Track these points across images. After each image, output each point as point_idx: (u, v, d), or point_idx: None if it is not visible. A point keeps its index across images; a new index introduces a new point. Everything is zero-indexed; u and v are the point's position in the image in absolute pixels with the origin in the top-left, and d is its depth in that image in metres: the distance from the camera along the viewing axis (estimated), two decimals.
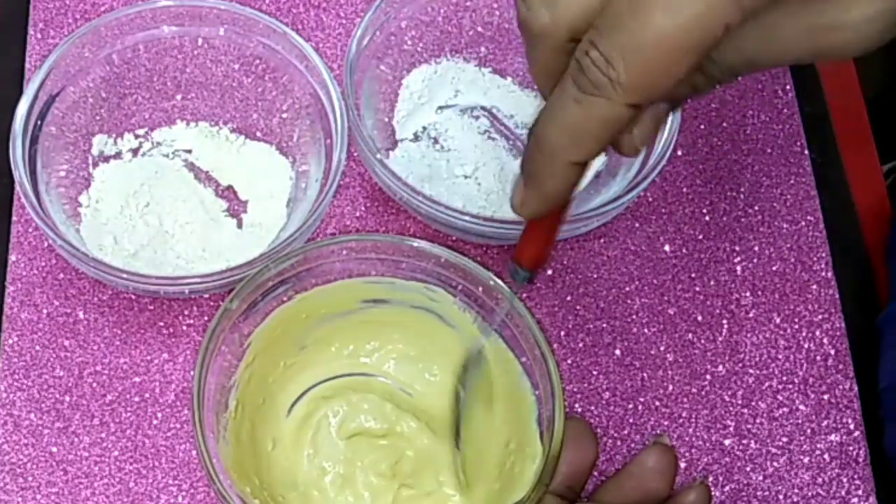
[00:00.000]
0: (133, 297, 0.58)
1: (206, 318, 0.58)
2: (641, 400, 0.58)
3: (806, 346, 0.60)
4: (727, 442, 0.58)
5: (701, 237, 0.63)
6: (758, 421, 0.58)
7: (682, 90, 0.36)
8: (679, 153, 0.65)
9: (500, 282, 0.51)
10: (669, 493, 0.52)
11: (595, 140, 0.35)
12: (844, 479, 0.57)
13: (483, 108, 0.65)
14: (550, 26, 0.34)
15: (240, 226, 0.60)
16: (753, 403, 0.59)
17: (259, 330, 0.52)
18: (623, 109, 0.33)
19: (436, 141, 0.63)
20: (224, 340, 0.50)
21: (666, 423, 0.58)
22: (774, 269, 0.62)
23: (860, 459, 0.58)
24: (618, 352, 0.59)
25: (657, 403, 0.58)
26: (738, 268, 0.62)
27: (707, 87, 0.37)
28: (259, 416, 0.53)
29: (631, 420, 0.58)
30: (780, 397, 0.59)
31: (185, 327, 0.58)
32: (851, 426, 0.59)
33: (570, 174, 0.37)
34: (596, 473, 0.56)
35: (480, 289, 0.52)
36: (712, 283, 0.61)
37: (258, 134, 0.62)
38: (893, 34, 0.34)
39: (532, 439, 0.51)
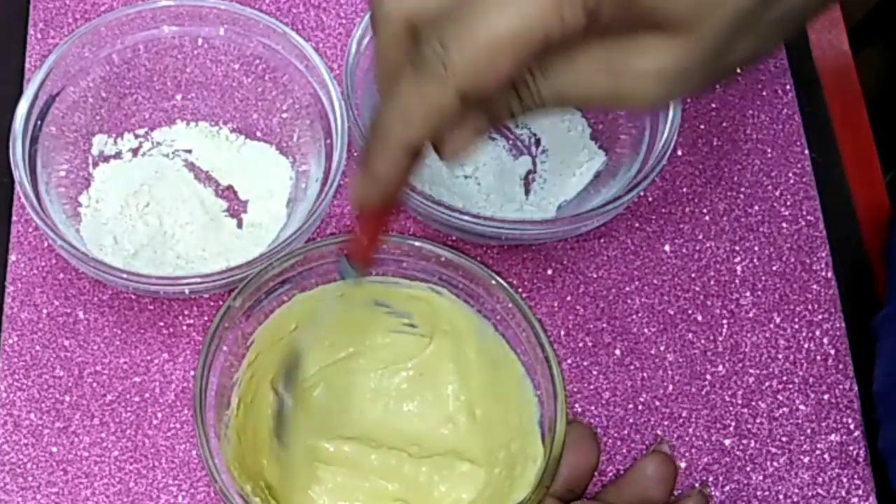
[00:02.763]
0: (133, 297, 0.58)
1: (206, 318, 0.58)
2: (641, 400, 0.58)
3: (806, 346, 0.60)
4: (727, 442, 0.58)
5: (701, 237, 0.63)
6: (758, 421, 0.58)
7: (500, 107, 0.39)
8: (679, 153, 0.65)
9: (501, 281, 0.51)
10: (668, 501, 0.53)
11: (424, 123, 0.37)
12: (844, 479, 0.57)
13: None
14: (393, 14, 0.37)
15: (240, 226, 0.60)
16: (753, 403, 0.59)
17: (262, 328, 0.52)
18: (452, 97, 0.36)
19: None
20: (226, 338, 0.50)
21: (666, 423, 0.58)
22: (774, 269, 0.62)
23: (860, 459, 0.58)
24: (618, 352, 0.59)
25: (657, 403, 0.58)
26: (738, 268, 0.62)
27: (519, 115, 0.39)
28: (261, 415, 0.53)
29: (631, 420, 0.58)
30: (780, 397, 0.59)
31: (185, 327, 0.58)
32: (851, 426, 0.59)
33: (401, 158, 0.39)
34: (595, 474, 0.56)
35: (481, 288, 0.52)
36: (712, 283, 0.61)
37: (258, 134, 0.62)
38: (680, 95, 0.38)
39: (534, 441, 0.51)
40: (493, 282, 0.52)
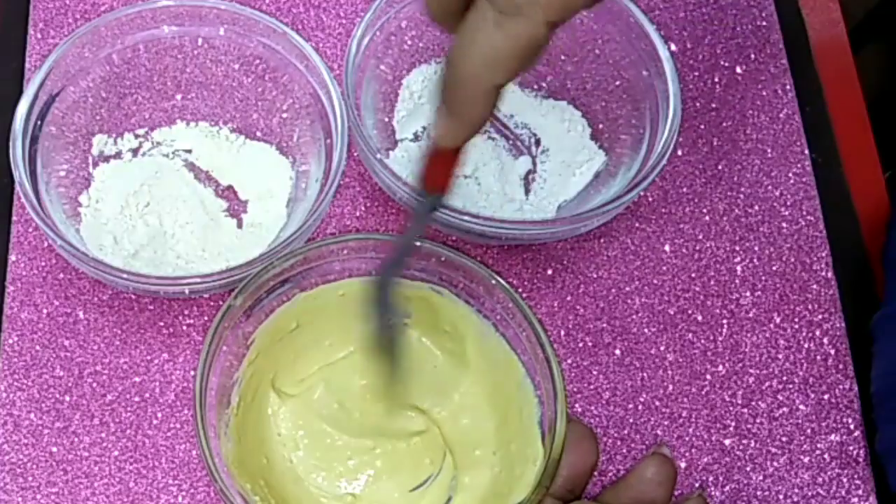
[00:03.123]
0: (133, 297, 0.58)
1: (206, 318, 0.58)
2: (641, 400, 0.58)
3: (806, 346, 0.60)
4: (727, 442, 0.58)
5: (701, 237, 0.63)
6: (758, 421, 0.58)
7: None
8: (679, 153, 0.65)
9: (501, 280, 0.51)
10: (668, 501, 0.52)
11: (517, 61, 0.35)
12: (844, 479, 0.57)
13: None
14: None
15: (240, 226, 0.60)
16: (753, 403, 0.59)
17: (262, 328, 0.52)
18: (542, 28, 0.34)
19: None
20: (227, 338, 0.50)
21: (666, 423, 0.58)
22: (774, 269, 0.62)
23: (860, 459, 0.58)
24: (618, 352, 0.59)
25: (657, 403, 0.58)
26: (738, 268, 0.62)
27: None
28: (261, 414, 0.53)
29: (631, 420, 0.58)
30: (780, 397, 0.59)
31: (185, 327, 0.58)
32: (851, 426, 0.59)
33: (493, 98, 0.38)
34: (595, 474, 0.56)
35: (481, 288, 0.52)
36: (712, 283, 0.61)
37: (258, 134, 0.62)
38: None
39: (533, 441, 0.51)
40: (493, 282, 0.52)
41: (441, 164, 0.44)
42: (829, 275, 0.62)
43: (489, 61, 0.35)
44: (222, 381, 0.50)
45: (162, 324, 0.58)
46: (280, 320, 0.53)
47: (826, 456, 0.58)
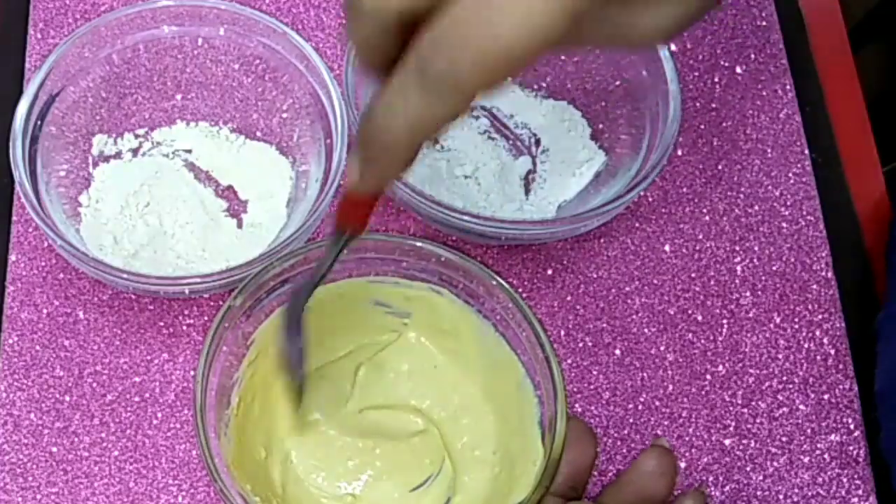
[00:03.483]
0: (133, 297, 0.58)
1: (206, 318, 0.58)
2: (641, 400, 0.58)
3: (806, 346, 0.60)
4: (727, 442, 0.58)
5: (701, 237, 0.63)
6: (758, 421, 0.58)
7: None
8: (679, 153, 0.65)
9: (501, 280, 0.51)
10: (670, 495, 0.52)
11: (437, 128, 0.36)
12: (844, 479, 0.57)
13: (483, 108, 0.65)
14: (380, 7, 0.35)
15: (240, 226, 0.60)
16: (753, 403, 0.59)
17: (262, 328, 0.52)
18: (466, 101, 0.34)
19: (436, 141, 0.63)
20: (227, 338, 0.50)
21: (666, 423, 0.58)
22: (774, 269, 0.62)
23: (860, 459, 0.58)
24: (618, 352, 0.59)
25: (657, 403, 0.58)
26: (738, 268, 0.62)
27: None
28: (261, 414, 0.53)
29: (631, 420, 0.58)
30: (780, 397, 0.59)
31: (185, 327, 0.58)
32: (851, 426, 0.59)
33: (411, 155, 0.38)
34: (595, 474, 0.56)
35: (481, 288, 0.52)
36: (712, 283, 0.61)
37: (258, 134, 0.62)
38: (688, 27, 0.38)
39: (533, 441, 0.51)
40: (494, 282, 0.52)
41: (359, 204, 0.43)
42: (829, 275, 0.62)
43: (411, 128, 0.36)
44: (222, 382, 0.50)
45: (162, 324, 0.58)
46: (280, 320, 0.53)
47: (826, 456, 0.58)
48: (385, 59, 0.36)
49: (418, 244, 0.52)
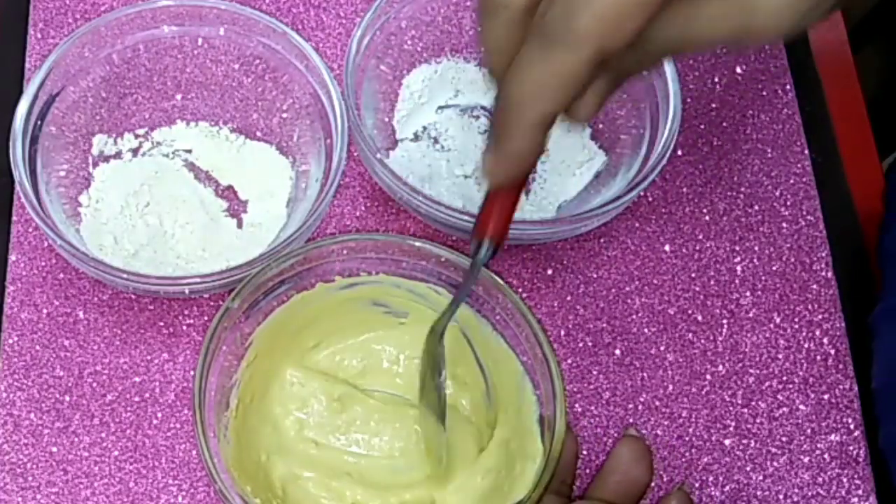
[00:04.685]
0: (133, 297, 0.58)
1: (206, 318, 0.58)
2: (641, 400, 0.58)
3: (806, 346, 0.60)
4: (727, 442, 0.58)
5: (701, 237, 0.63)
6: (758, 421, 0.58)
7: (627, 62, 0.38)
8: (679, 153, 0.65)
9: (500, 280, 0.51)
10: (651, 478, 0.55)
11: (558, 92, 0.36)
12: (844, 479, 0.57)
13: (483, 107, 0.65)
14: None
15: (240, 226, 0.60)
16: (753, 403, 0.59)
17: (260, 329, 0.52)
18: (586, 62, 0.35)
19: (436, 141, 0.63)
20: (225, 339, 0.50)
21: (666, 423, 0.58)
22: (774, 269, 0.62)
23: (860, 459, 0.58)
24: (618, 352, 0.59)
25: (657, 403, 0.58)
26: (738, 268, 0.62)
27: (636, 68, 0.39)
28: (260, 415, 0.53)
29: (631, 420, 0.58)
30: (780, 397, 0.59)
31: (185, 327, 0.58)
32: (851, 426, 0.59)
33: (537, 132, 0.38)
34: (591, 471, 0.56)
35: (481, 288, 0.52)
36: (712, 283, 0.61)
37: (258, 134, 0.62)
38: (808, 23, 0.36)
39: (533, 439, 0.51)
40: (492, 282, 0.52)
41: (496, 209, 0.44)
42: (829, 275, 0.62)
43: (532, 91, 0.36)
44: (221, 383, 0.50)
45: (162, 324, 0.58)
46: (278, 321, 0.53)
47: (826, 456, 0.58)
48: (511, 60, 0.37)
49: (417, 244, 0.52)
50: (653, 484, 0.56)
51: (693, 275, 0.62)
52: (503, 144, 0.39)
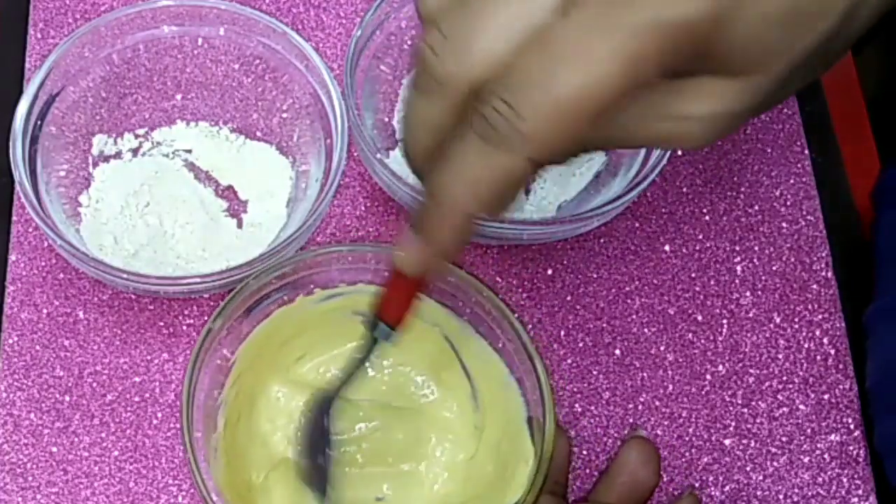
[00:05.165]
0: (133, 297, 0.58)
1: (206, 318, 0.58)
2: (641, 400, 0.58)
3: (806, 346, 0.60)
4: (727, 442, 0.58)
5: (701, 237, 0.63)
6: (758, 421, 0.58)
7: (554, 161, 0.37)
8: (679, 153, 0.65)
9: (479, 282, 0.51)
10: (657, 481, 0.54)
11: (495, 193, 0.35)
12: (844, 479, 0.57)
13: None
14: (455, 77, 0.34)
15: (240, 226, 0.60)
16: (753, 403, 0.59)
17: (243, 347, 0.52)
18: (526, 164, 0.34)
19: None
20: (209, 360, 0.49)
21: (666, 423, 0.58)
22: (774, 269, 0.62)
23: (860, 459, 0.58)
24: (618, 352, 0.59)
25: (657, 403, 0.58)
26: (738, 268, 0.62)
27: (563, 161, 0.37)
28: (249, 433, 0.53)
29: (631, 420, 0.58)
30: (780, 397, 0.59)
31: (185, 327, 0.58)
32: (851, 426, 0.59)
33: (467, 228, 0.37)
34: (596, 473, 0.56)
35: (460, 291, 0.52)
36: (712, 283, 0.61)
37: (258, 134, 0.62)
38: (730, 131, 0.36)
39: (523, 440, 0.50)
40: (470, 283, 0.51)
41: (400, 294, 0.43)
42: (829, 275, 0.62)
43: (469, 188, 0.35)
44: (208, 404, 0.50)
45: (162, 324, 0.58)
46: (261, 337, 0.52)
47: (826, 456, 0.58)
48: (437, 146, 0.36)
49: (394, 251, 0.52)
50: None
51: (693, 275, 0.62)
52: (433, 240, 0.38)
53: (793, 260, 0.62)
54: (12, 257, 0.59)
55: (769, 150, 0.65)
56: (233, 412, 0.52)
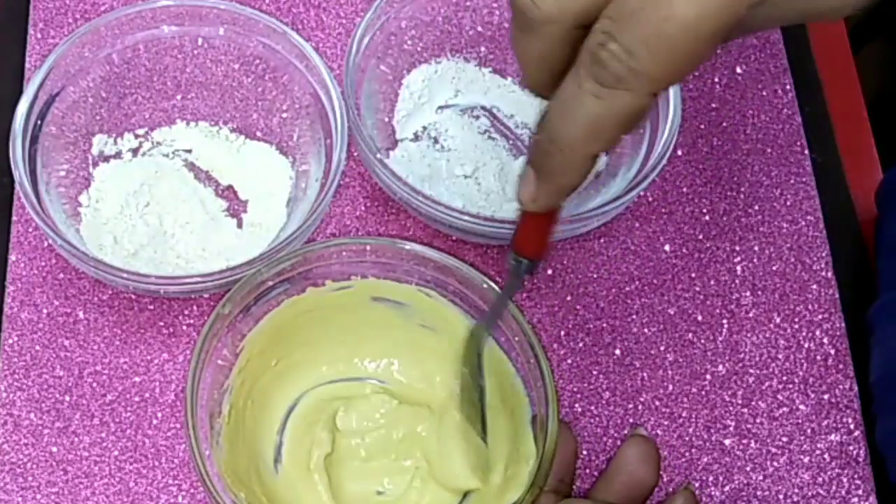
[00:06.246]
0: (133, 297, 0.58)
1: (206, 318, 0.58)
2: (641, 400, 0.58)
3: (806, 346, 0.60)
4: (727, 442, 0.58)
5: (701, 237, 0.63)
6: (758, 421, 0.58)
7: None
8: (679, 153, 0.65)
9: (492, 284, 0.51)
10: (657, 480, 0.53)
11: (617, 132, 0.34)
12: (844, 479, 0.57)
13: (483, 107, 0.65)
14: (556, 14, 0.33)
15: (240, 225, 0.60)
16: (753, 403, 0.59)
17: (252, 334, 0.52)
18: (647, 99, 0.33)
19: (436, 141, 0.63)
20: (217, 346, 0.50)
21: (666, 423, 0.58)
22: (774, 269, 0.62)
23: (860, 459, 0.58)
24: (618, 352, 0.59)
25: (657, 403, 0.58)
26: (738, 268, 0.62)
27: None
28: (252, 421, 0.53)
29: (631, 420, 0.58)
30: (780, 397, 0.59)
31: (185, 327, 0.58)
32: (851, 426, 0.59)
33: (588, 166, 0.37)
34: (596, 473, 0.56)
35: (470, 290, 0.52)
36: (712, 283, 0.61)
37: (258, 134, 0.62)
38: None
39: (526, 440, 0.51)
40: (484, 285, 0.51)
41: (534, 228, 0.43)
42: (829, 275, 0.62)
43: (590, 132, 0.34)
44: (214, 389, 0.50)
45: (162, 324, 0.58)
46: (270, 325, 0.53)
47: (826, 456, 0.58)
48: (557, 77, 0.35)
49: (407, 247, 0.52)
50: None
51: (693, 275, 0.62)
52: (551, 180, 0.37)
53: (793, 260, 0.62)
54: (12, 257, 0.59)
55: (769, 150, 0.65)
56: (238, 399, 0.52)
